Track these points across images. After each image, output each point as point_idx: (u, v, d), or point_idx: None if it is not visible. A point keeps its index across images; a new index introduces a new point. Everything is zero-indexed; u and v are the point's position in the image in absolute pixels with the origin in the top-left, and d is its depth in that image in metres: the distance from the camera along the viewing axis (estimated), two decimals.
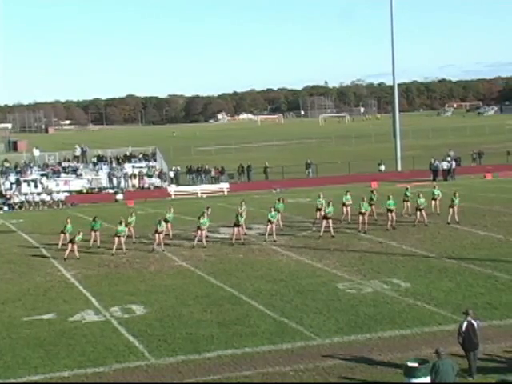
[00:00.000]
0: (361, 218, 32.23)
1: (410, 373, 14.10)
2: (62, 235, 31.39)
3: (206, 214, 31.30)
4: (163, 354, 17.64)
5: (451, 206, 33.07)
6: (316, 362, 16.63)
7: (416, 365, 14.18)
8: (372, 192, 35.62)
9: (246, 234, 32.08)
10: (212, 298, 22.63)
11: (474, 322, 15.50)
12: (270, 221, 31.27)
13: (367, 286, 23.16)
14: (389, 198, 32.76)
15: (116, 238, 30.19)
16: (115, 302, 22.68)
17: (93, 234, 31.66)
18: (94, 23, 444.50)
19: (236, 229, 30.97)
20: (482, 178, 53.12)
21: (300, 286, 23.57)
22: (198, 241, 30.69)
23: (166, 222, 32.11)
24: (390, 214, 32.46)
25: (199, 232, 30.72)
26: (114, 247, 30.08)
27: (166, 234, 31.85)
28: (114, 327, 20.09)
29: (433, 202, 35.03)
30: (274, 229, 31.35)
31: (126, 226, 31.65)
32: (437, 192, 35.28)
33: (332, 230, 31.34)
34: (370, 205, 34.09)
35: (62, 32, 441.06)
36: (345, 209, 34.25)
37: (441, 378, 13.90)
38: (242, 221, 31.21)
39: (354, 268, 25.72)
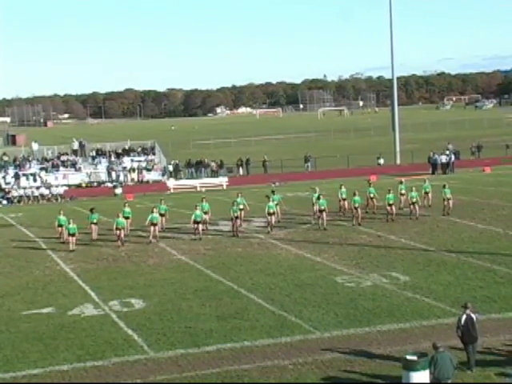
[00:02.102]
0: (354, 211, 32.34)
1: (409, 366, 14.12)
2: (60, 229, 31.35)
3: (198, 208, 31.50)
4: (162, 348, 17.65)
5: (446, 199, 33.27)
6: (315, 355, 16.64)
7: (415, 358, 14.20)
8: (370, 184, 35.69)
9: (241, 225, 32.25)
10: (211, 291, 22.64)
11: (472, 315, 15.51)
12: (270, 213, 31.55)
13: (366, 279, 23.18)
14: (389, 192, 32.88)
15: (117, 231, 30.19)
16: (114, 295, 22.70)
17: (93, 227, 31.55)
18: (92, 17, 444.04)
19: (235, 221, 31.22)
20: (480, 171, 53.10)
21: (299, 279, 23.58)
22: (197, 233, 30.84)
23: (161, 215, 32.26)
24: (389, 207, 32.56)
25: (195, 225, 30.87)
26: (119, 241, 30.12)
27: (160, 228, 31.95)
28: (113, 321, 20.11)
29: (425, 195, 35.28)
30: (273, 221, 31.58)
31: (126, 218, 31.74)
32: (427, 186, 35.51)
33: (325, 222, 31.44)
34: (371, 198, 34.21)
35: (61, 26, 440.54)
36: (342, 203, 34.36)
37: (439, 370, 13.95)
38: (237, 213, 31.32)
39: (352, 261, 25.73)
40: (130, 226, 32.47)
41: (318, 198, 32.38)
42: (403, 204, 34.75)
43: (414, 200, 33.06)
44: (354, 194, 32.60)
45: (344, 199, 34.39)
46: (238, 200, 33.09)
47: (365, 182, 45.46)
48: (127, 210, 32.55)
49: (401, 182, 36.04)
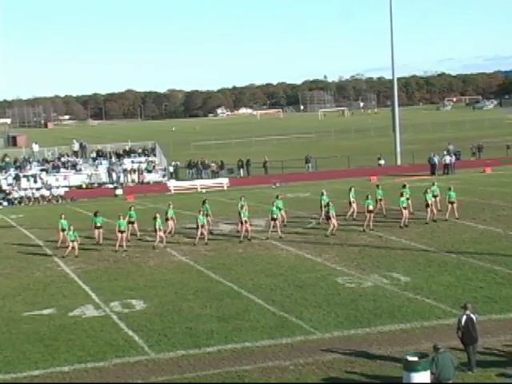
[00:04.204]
0: (368, 215, 31.43)
1: (410, 367, 14.12)
2: (62, 233, 30.66)
3: (201, 212, 31.02)
4: (163, 349, 17.66)
5: (450, 202, 32.85)
6: (316, 356, 16.64)
7: (415, 359, 14.21)
8: (378, 187, 35.09)
9: (247, 231, 31.39)
10: (211, 292, 22.64)
11: (472, 315, 15.51)
12: (273, 218, 30.97)
13: (367, 280, 23.17)
14: (401, 195, 32.21)
15: (119, 234, 29.96)
16: (115, 296, 22.70)
17: (96, 231, 31.01)
18: (93, 18, 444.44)
19: (241, 225, 30.63)
20: (481, 172, 53.09)
21: (299, 280, 23.58)
22: (200, 238, 30.37)
23: (167, 219, 31.86)
24: (403, 211, 31.78)
25: (199, 230, 30.48)
26: (117, 244, 29.84)
27: (169, 232, 31.66)
28: (113, 322, 20.11)
29: (433, 198, 34.56)
30: (278, 225, 31.01)
31: (131, 223, 31.51)
32: (436, 189, 34.77)
33: (332, 229, 30.78)
34: (379, 200, 33.81)
35: (62, 26, 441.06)
36: (352, 206, 33.71)
37: (440, 371, 13.96)
38: (245, 217, 30.82)
39: (353, 262, 25.72)
40: (138, 229, 32.08)
41: (328, 204, 31.52)
42: (412, 208, 34.09)
43: (430, 202, 32.29)
44: (367, 198, 31.91)
45: (353, 202, 33.79)
46: (243, 203, 32.24)
47: (366, 182, 45.58)
48: (133, 213, 32.19)
49: (404, 186, 35.26)
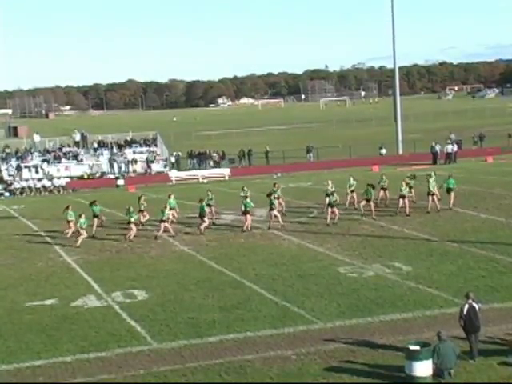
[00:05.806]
0: (371, 205, 31.37)
1: (412, 356, 14.16)
2: (72, 225, 30.41)
3: (202, 200, 31.08)
4: (165, 339, 17.69)
5: (449, 191, 32.61)
6: (318, 345, 16.66)
7: (417, 348, 14.24)
8: (382, 176, 34.76)
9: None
10: (213, 282, 22.66)
11: (475, 304, 15.52)
12: (271, 209, 30.92)
13: (369, 269, 23.18)
14: (402, 185, 32.15)
15: (133, 226, 29.85)
16: (117, 287, 22.73)
17: (95, 220, 31.14)
18: (93, 8, 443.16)
19: (247, 216, 30.46)
20: (483, 160, 53.00)
21: (301, 270, 23.59)
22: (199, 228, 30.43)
23: (171, 209, 31.99)
24: (402, 200, 31.76)
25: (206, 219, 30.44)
26: (132, 234, 29.79)
27: (172, 222, 31.70)
28: (115, 312, 20.14)
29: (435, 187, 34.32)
30: (278, 215, 30.88)
31: (140, 211, 31.62)
32: (436, 179, 34.46)
33: (333, 218, 30.75)
34: (383, 189, 33.68)
35: (62, 17, 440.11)
36: (351, 195, 33.65)
37: (442, 360, 13.99)
38: (248, 207, 30.68)
39: (355, 252, 25.72)
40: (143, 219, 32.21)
41: (329, 195, 31.18)
42: (414, 198, 33.97)
43: (433, 191, 32.00)
44: (372, 187, 31.73)
45: (352, 191, 33.70)
46: (245, 193, 32.03)
47: (368, 172, 45.50)
48: (145, 204, 32.30)
49: (414, 177, 34.68)
